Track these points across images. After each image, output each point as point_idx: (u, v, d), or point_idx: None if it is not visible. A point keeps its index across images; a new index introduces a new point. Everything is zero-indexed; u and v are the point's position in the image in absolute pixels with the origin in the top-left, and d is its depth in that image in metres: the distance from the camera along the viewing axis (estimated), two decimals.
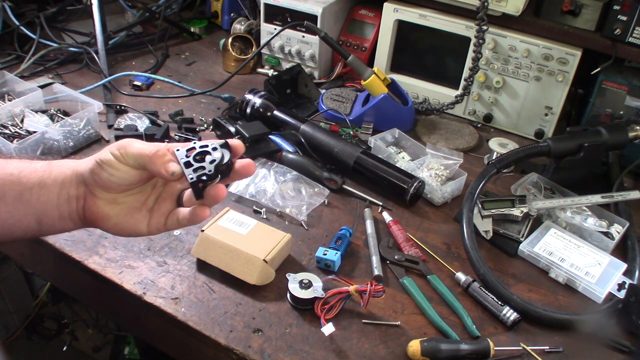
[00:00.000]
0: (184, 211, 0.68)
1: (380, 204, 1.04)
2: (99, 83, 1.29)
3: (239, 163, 0.65)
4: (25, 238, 0.69)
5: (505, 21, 1.18)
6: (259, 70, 1.46)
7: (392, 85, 1.24)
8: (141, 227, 0.68)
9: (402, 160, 1.10)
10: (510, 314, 0.82)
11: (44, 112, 1.14)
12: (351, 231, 0.96)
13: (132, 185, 0.67)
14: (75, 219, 0.68)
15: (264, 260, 0.83)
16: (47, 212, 0.67)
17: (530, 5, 1.20)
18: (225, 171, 0.63)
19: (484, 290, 0.86)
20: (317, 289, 0.81)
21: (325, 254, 0.88)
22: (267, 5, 1.38)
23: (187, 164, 0.62)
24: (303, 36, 1.37)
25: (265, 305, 0.83)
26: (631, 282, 0.89)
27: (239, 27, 1.50)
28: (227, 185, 0.62)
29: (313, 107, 1.32)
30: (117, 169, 0.64)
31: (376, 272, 0.89)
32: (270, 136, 1.13)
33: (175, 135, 1.17)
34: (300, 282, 0.82)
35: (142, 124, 1.18)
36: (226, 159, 0.63)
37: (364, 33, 1.42)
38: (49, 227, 0.68)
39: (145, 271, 0.86)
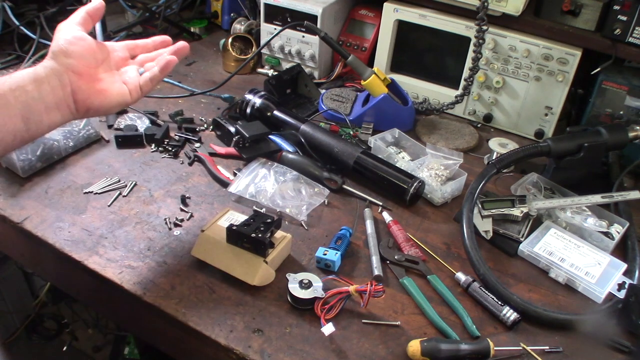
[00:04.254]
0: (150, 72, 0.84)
1: (380, 204, 1.04)
2: None
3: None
4: (15, 143, 0.74)
5: (505, 21, 1.18)
6: (259, 70, 1.46)
7: (392, 85, 1.24)
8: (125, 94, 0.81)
9: (402, 160, 1.10)
10: (510, 314, 0.82)
11: None
12: (351, 231, 0.96)
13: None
14: (64, 107, 0.76)
15: (264, 260, 0.83)
16: (32, 107, 0.72)
17: (530, 5, 1.20)
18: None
19: (484, 290, 0.86)
20: (317, 289, 0.81)
21: (325, 254, 0.88)
22: (267, 5, 1.38)
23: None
24: (303, 36, 1.37)
25: (265, 305, 0.83)
26: (631, 282, 0.89)
27: (239, 27, 1.50)
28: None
29: (313, 107, 1.32)
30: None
31: (376, 272, 0.89)
32: (270, 136, 1.14)
33: (176, 135, 1.17)
34: (300, 282, 0.82)
35: (142, 124, 1.18)
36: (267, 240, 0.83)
37: (364, 33, 1.42)
38: (36, 124, 0.74)
39: (145, 271, 0.86)
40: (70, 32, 0.78)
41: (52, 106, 0.74)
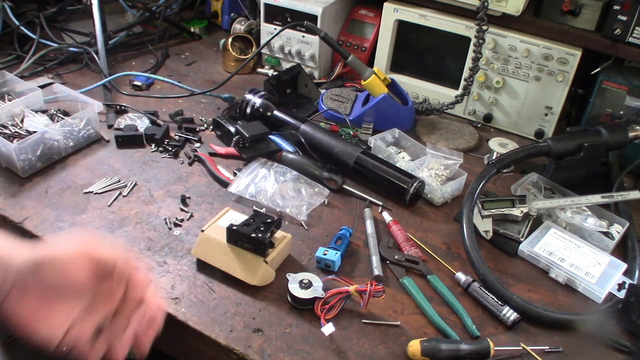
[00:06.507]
0: None
1: (380, 204, 1.04)
2: (99, 83, 1.29)
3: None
4: None
5: (505, 21, 1.18)
6: (259, 70, 1.46)
7: (392, 85, 1.24)
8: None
9: (402, 160, 1.10)
10: (510, 314, 0.82)
11: (44, 112, 1.14)
12: (351, 231, 0.96)
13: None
14: None
15: (264, 260, 0.83)
16: None
17: (530, 5, 1.20)
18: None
19: (484, 290, 0.86)
20: (317, 289, 0.81)
21: (325, 254, 0.88)
22: (267, 5, 1.38)
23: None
24: (303, 36, 1.37)
25: (265, 305, 0.83)
26: (631, 282, 0.89)
27: (239, 27, 1.50)
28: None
29: (313, 107, 1.32)
30: None
31: (376, 272, 0.89)
32: (270, 136, 1.14)
33: (176, 135, 1.17)
34: (300, 282, 0.82)
35: (142, 124, 1.18)
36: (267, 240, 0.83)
37: (364, 33, 1.42)
38: None
39: (145, 271, 0.86)
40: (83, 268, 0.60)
41: None
